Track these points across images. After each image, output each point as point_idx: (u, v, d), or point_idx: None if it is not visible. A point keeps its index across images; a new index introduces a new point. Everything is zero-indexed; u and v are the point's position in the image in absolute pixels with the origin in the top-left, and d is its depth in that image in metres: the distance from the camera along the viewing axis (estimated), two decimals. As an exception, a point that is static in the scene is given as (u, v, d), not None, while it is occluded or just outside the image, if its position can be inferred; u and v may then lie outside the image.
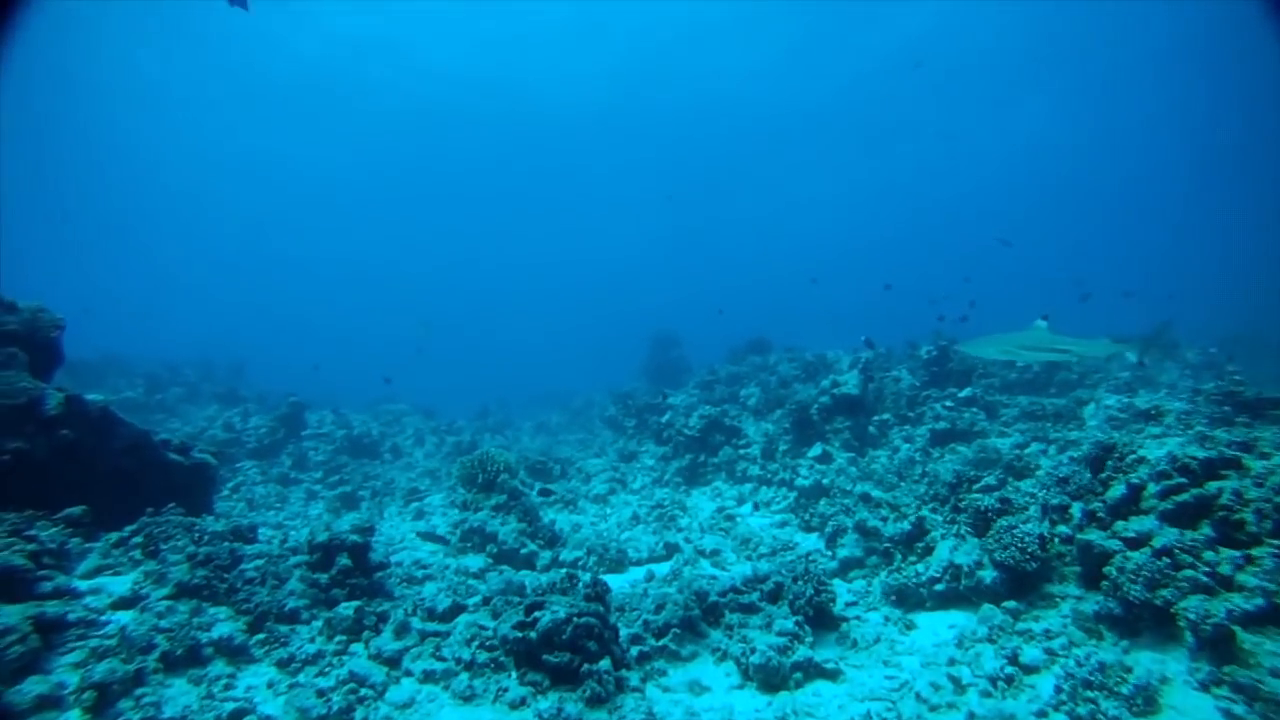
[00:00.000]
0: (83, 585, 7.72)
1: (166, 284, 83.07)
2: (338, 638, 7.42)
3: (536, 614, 6.50)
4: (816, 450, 14.43)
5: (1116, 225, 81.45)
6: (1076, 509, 7.68)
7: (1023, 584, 7.11)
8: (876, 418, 15.46)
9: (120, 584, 7.78)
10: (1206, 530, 6.18)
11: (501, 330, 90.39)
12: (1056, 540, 7.43)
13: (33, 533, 8.32)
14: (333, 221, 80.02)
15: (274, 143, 60.84)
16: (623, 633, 7.30)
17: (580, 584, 7.45)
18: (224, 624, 7.33)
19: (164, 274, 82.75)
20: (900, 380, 17.30)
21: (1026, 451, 11.80)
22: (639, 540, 11.29)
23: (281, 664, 6.96)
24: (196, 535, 8.66)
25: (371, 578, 8.85)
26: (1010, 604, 6.99)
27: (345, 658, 7.17)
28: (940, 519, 8.57)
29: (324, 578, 8.38)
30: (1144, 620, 5.94)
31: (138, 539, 8.63)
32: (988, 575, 7.19)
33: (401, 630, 7.36)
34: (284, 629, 7.52)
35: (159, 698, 6.07)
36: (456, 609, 8.03)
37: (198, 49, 45.82)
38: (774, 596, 7.74)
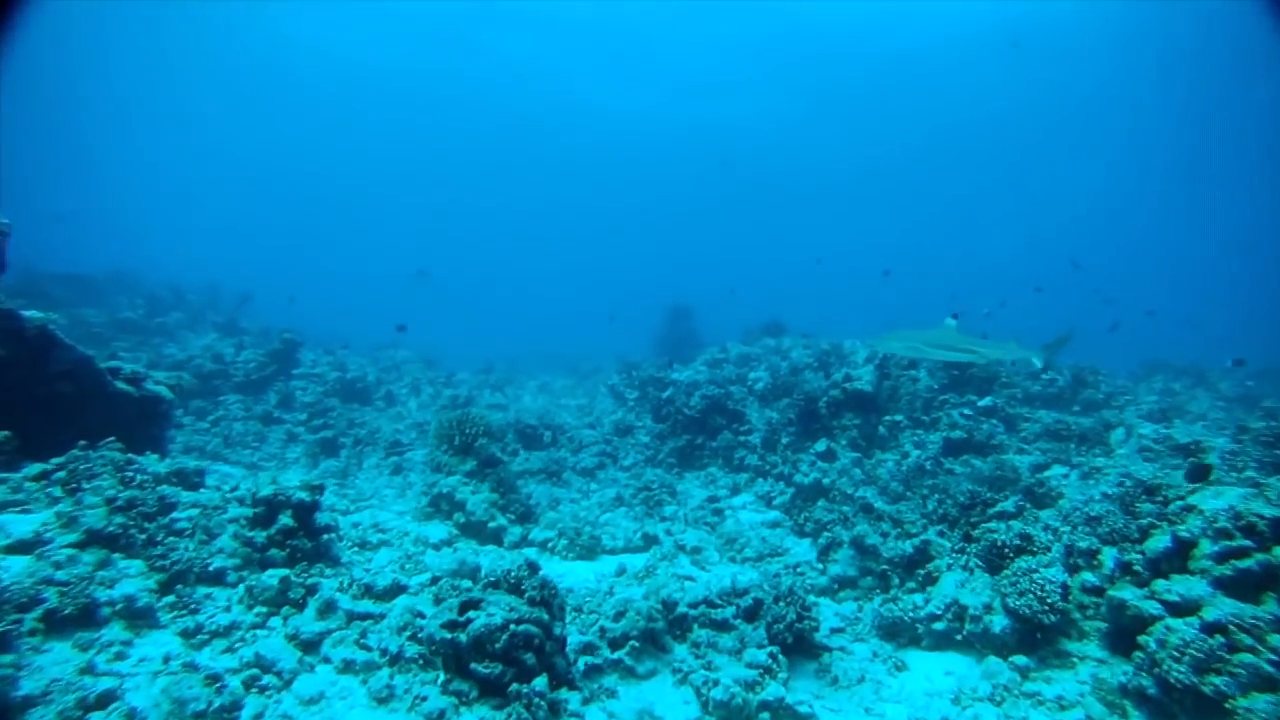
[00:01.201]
0: (-21, 523, 6.83)
1: (185, 203, 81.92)
2: (257, 609, 6.49)
3: (471, 614, 5.50)
4: (821, 446, 13.35)
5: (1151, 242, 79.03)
6: (1108, 556, 6.58)
7: (1037, 637, 6.04)
8: (888, 418, 14.34)
9: (24, 524, 6.85)
10: (1274, 607, 5.06)
11: (526, 286, 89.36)
12: (1079, 589, 6.35)
13: (-66, 457, 7.46)
14: (364, 162, 78.83)
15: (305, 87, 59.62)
16: (574, 639, 6.31)
17: (527, 582, 6.47)
18: (133, 580, 6.42)
19: (184, 193, 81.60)
20: (918, 380, 16.13)
21: (1047, 475, 10.68)
22: (618, 526, 10.29)
23: (186, 634, 6.04)
24: (127, 476, 7.72)
25: (317, 540, 7.91)
26: (1020, 659, 5.93)
27: (260, 633, 6.24)
28: (949, 545, 7.49)
29: (261, 536, 7.45)
30: (1184, 709, 4.86)
31: (61, 474, 7.72)
32: (997, 622, 6.11)
33: (328, 609, 6.39)
34: (201, 592, 6.60)
35: (23, 666, 5.14)
36: (397, 589, 7.08)
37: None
38: (751, 615, 6.71)
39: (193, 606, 6.32)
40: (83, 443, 7.95)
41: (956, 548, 7.32)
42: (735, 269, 61.16)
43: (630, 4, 46.95)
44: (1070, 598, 6.19)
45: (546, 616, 5.56)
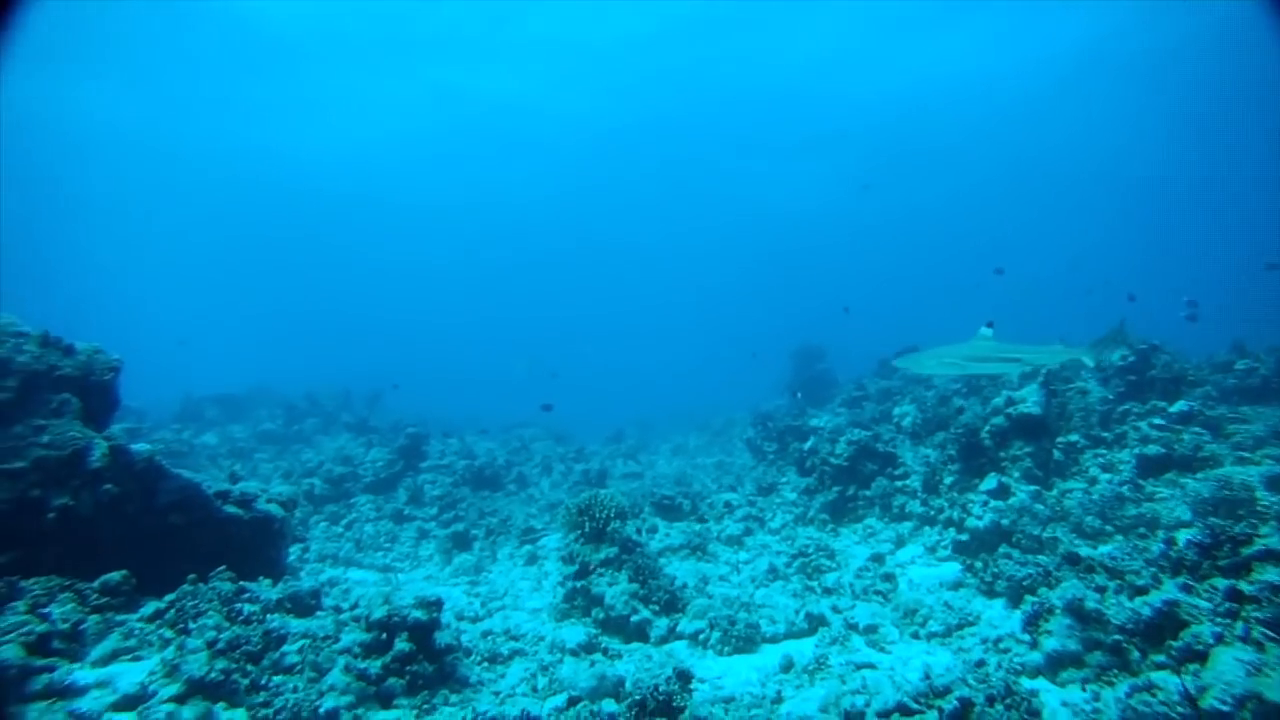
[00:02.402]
0: (89, 677, 6.17)
1: (309, 315, 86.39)
2: (372, 761, 5.51)
3: (609, 768, 4.32)
4: (991, 483, 11.57)
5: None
6: None
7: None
8: (1061, 439, 12.43)
9: (134, 675, 6.17)
10: None
11: (647, 348, 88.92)
12: None
13: (49, 609, 6.93)
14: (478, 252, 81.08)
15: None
16: (743, 775, 5.01)
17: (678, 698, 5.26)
18: (235, 738, 5.58)
19: (304, 305, 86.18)
20: (1088, 393, 14.11)
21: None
22: (775, 604, 8.92)
23: (292, 801, 5.10)
24: (235, 610, 7.01)
25: (440, 661, 6.95)
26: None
27: (377, 791, 5.24)
28: (1206, 605, 5.78)
29: (376, 666, 6.54)
30: None
31: (171, 613, 7.08)
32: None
33: (447, 759, 5.34)
34: (307, 747, 5.69)
35: None
36: (529, 719, 5.96)
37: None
38: (958, 719, 5.23)
39: (300, 764, 5.40)
40: (192, 576, 7.34)
41: (1222, 609, 5.61)
42: (865, 297, 59.06)
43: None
44: None
45: (704, 764, 4.31)
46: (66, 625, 6.65)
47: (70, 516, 7.67)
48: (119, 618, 7.17)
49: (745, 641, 7.86)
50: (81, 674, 6.23)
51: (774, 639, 8.08)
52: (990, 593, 8.50)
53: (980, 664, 6.30)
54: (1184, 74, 45.04)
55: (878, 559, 10.88)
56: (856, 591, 9.27)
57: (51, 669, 6.09)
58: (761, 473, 16.52)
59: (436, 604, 7.07)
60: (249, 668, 6.22)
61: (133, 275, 75.96)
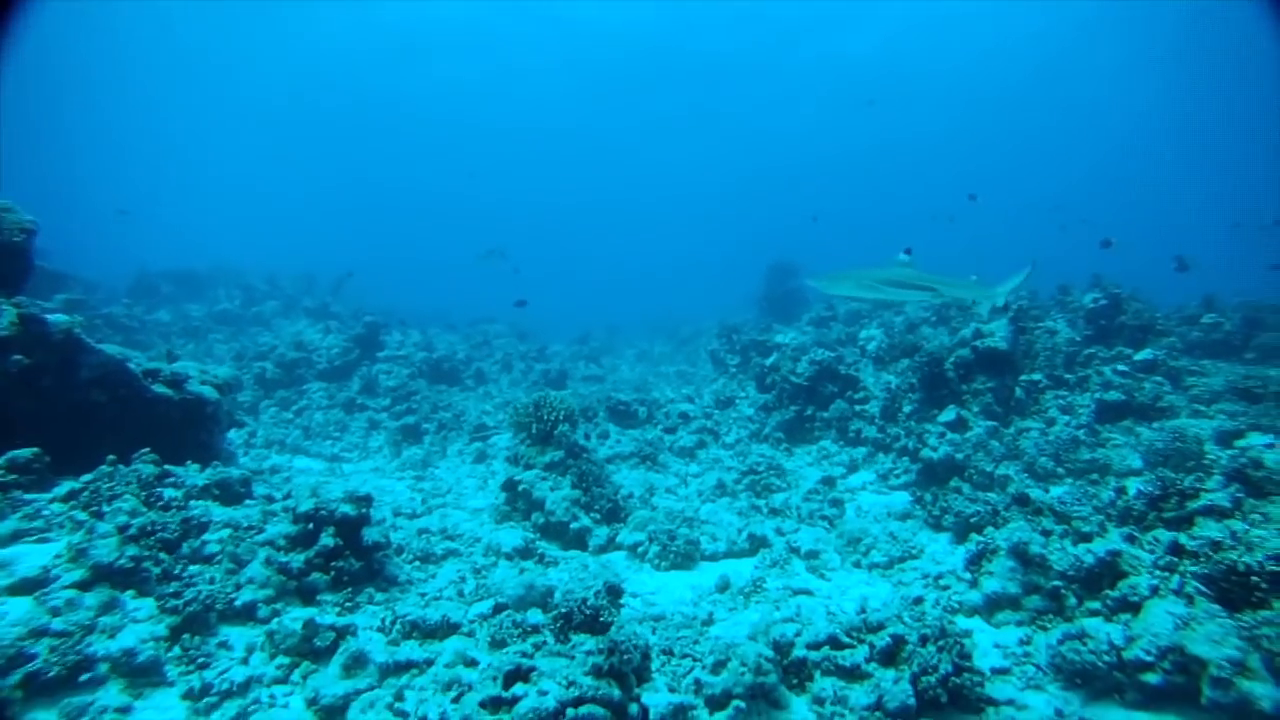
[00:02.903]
0: (-11, 556, 5.85)
1: (273, 196, 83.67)
2: (279, 659, 5.25)
3: (517, 689, 4.09)
4: (950, 415, 11.42)
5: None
6: None
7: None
8: (1025, 378, 12.26)
9: (37, 558, 5.83)
10: None
11: (626, 253, 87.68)
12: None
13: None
14: (468, 138, 78.32)
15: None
16: (662, 698, 4.82)
17: (606, 613, 5.05)
18: (138, 627, 5.28)
19: (268, 187, 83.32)
20: (1056, 333, 13.92)
21: (1246, 445, 8.48)
22: (720, 521, 8.75)
23: (191, 696, 4.85)
24: (154, 495, 6.66)
25: (369, 558, 6.69)
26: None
27: (281, 690, 5.01)
28: (1148, 558, 5.61)
29: (299, 560, 6.26)
30: None
31: (85, 495, 6.72)
32: (1260, 690, 4.26)
33: (356, 663, 5.09)
34: (214, 640, 5.42)
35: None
36: (449, 626, 5.73)
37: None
38: (890, 657, 5.06)
39: (202, 659, 5.13)
40: (111, 457, 6.94)
41: (1162, 562, 5.44)
42: (840, 221, 58.30)
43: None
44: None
45: (618, 693, 4.08)
46: (-37, 498, 6.28)
47: (-24, 388, 7.20)
48: (28, 497, 6.80)
49: (684, 558, 7.69)
50: (-20, 551, 5.91)
51: (713, 557, 7.92)
52: (937, 527, 8.38)
53: (918, 601, 6.15)
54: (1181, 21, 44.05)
55: (828, 482, 10.75)
56: (803, 515, 9.11)
57: (-52, 542, 5.77)
58: (722, 385, 16.28)
59: (366, 499, 6.77)
60: (162, 556, 5.91)
61: (106, 140, 72.85)
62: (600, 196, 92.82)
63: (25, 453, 6.98)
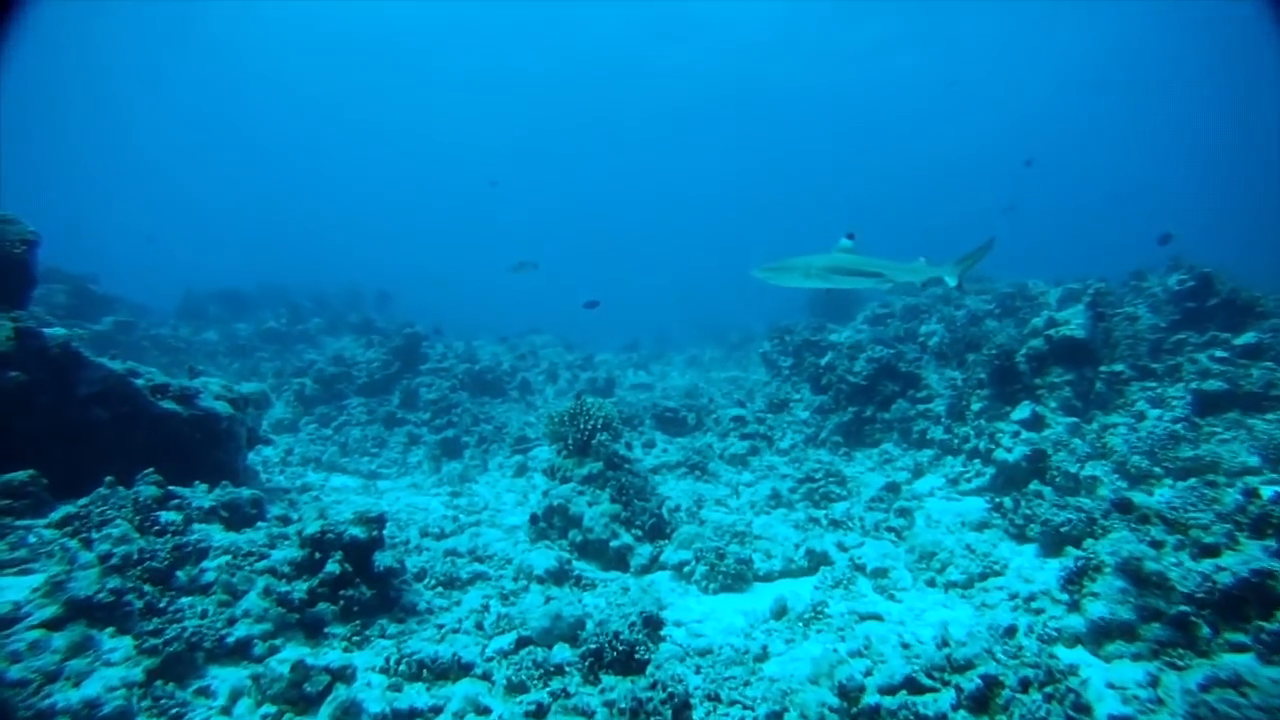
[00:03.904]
0: (-36, 591, 5.23)
1: (322, 213, 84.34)
2: (265, 709, 4.50)
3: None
4: (1024, 412, 10.28)
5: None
6: None
7: None
8: (1105, 369, 11.05)
9: (13, 592, 5.16)
10: None
11: (674, 256, 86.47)
12: None
13: (-71, 511, 5.96)
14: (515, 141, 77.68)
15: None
16: (707, 759, 3.93)
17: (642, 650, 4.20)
18: (110, 671, 4.58)
19: (320, 203, 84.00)
20: (1138, 319, 12.63)
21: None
22: (775, 535, 7.80)
23: (163, 758, 4.12)
24: (147, 519, 5.99)
25: (385, 585, 5.94)
26: None
27: (266, 751, 4.25)
28: (1302, 578, 4.54)
29: (301, 590, 5.52)
30: None
31: (79, 520, 6.10)
32: None
33: (347, 714, 4.30)
34: (195, 685, 4.69)
35: None
36: (461, 667, 4.91)
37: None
38: (982, 704, 4.09)
39: (175, 709, 4.40)
40: (109, 479, 6.31)
41: (1324, 584, 4.38)
42: (883, 217, 56.57)
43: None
44: None
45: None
46: (-57, 530, 5.70)
47: (-25, 407, 6.66)
48: (20, 524, 6.21)
49: (735, 579, 6.76)
50: (-42, 586, 5.30)
51: (768, 577, 6.98)
52: (1021, 537, 7.29)
53: (1010, 631, 5.12)
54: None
55: (893, 489, 9.72)
56: (867, 526, 8.09)
57: (-77, 579, 5.17)
58: (775, 388, 15.30)
59: (378, 520, 6.01)
60: (146, 588, 5.22)
61: (147, 169, 74.53)
62: (643, 201, 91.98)
63: (20, 475, 6.40)
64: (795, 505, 9.34)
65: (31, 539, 5.94)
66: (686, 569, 7.04)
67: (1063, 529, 6.52)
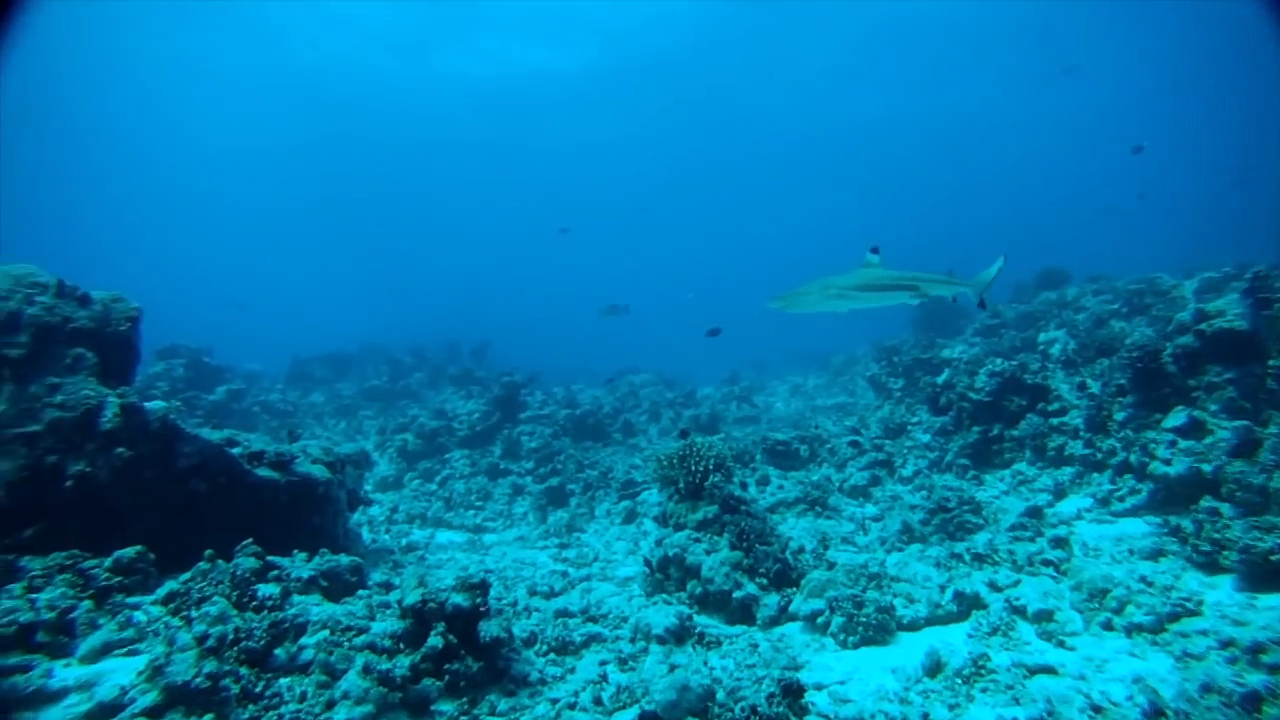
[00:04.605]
0: (71, 677, 4.98)
1: (411, 268, 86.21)
2: (366, 813, 4.01)
3: None
4: (1179, 418, 9.10)
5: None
6: None
7: None
8: (1274, 363, 9.73)
9: (121, 675, 4.94)
10: None
11: (760, 287, 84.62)
12: None
13: (41, 595, 5.80)
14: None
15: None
16: None
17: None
18: (208, 772, 4.21)
19: (407, 258, 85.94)
20: (1306, 305, 11.18)
21: None
22: (913, 576, 6.94)
23: None
24: (244, 595, 5.67)
25: (493, 655, 5.43)
26: None
27: None
28: None
29: (403, 666, 5.06)
30: None
31: (180, 599, 5.84)
32: None
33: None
34: (299, 782, 4.26)
35: None
36: (577, 755, 4.32)
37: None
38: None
39: (274, 819, 3.96)
40: (209, 552, 6.05)
41: None
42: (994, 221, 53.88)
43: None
44: None
45: None
46: (53, 614, 5.49)
47: (89, 484, 6.55)
48: (131, 600, 6.01)
49: (877, 630, 5.95)
50: (65, 674, 5.05)
51: (913, 626, 6.15)
52: (1211, 566, 6.22)
53: (1253, 700, 4.10)
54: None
55: (1035, 513, 8.73)
56: (1019, 560, 7.13)
57: (27, 668, 4.94)
58: (888, 412, 14.34)
59: (482, 586, 5.52)
60: (243, 671, 4.85)
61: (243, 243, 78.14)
62: (720, 233, 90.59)
63: (129, 552, 6.23)
64: (929, 539, 8.45)
65: (139, 617, 5.72)
66: (820, 620, 6.27)
67: (1273, 557, 5.48)
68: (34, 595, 5.70)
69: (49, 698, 4.76)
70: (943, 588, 6.50)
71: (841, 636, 5.99)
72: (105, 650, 5.34)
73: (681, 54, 49.80)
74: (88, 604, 5.67)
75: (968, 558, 7.39)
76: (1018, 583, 6.53)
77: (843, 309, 8.18)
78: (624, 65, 50.85)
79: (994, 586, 6.51)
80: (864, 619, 6.00)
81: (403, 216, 78.01)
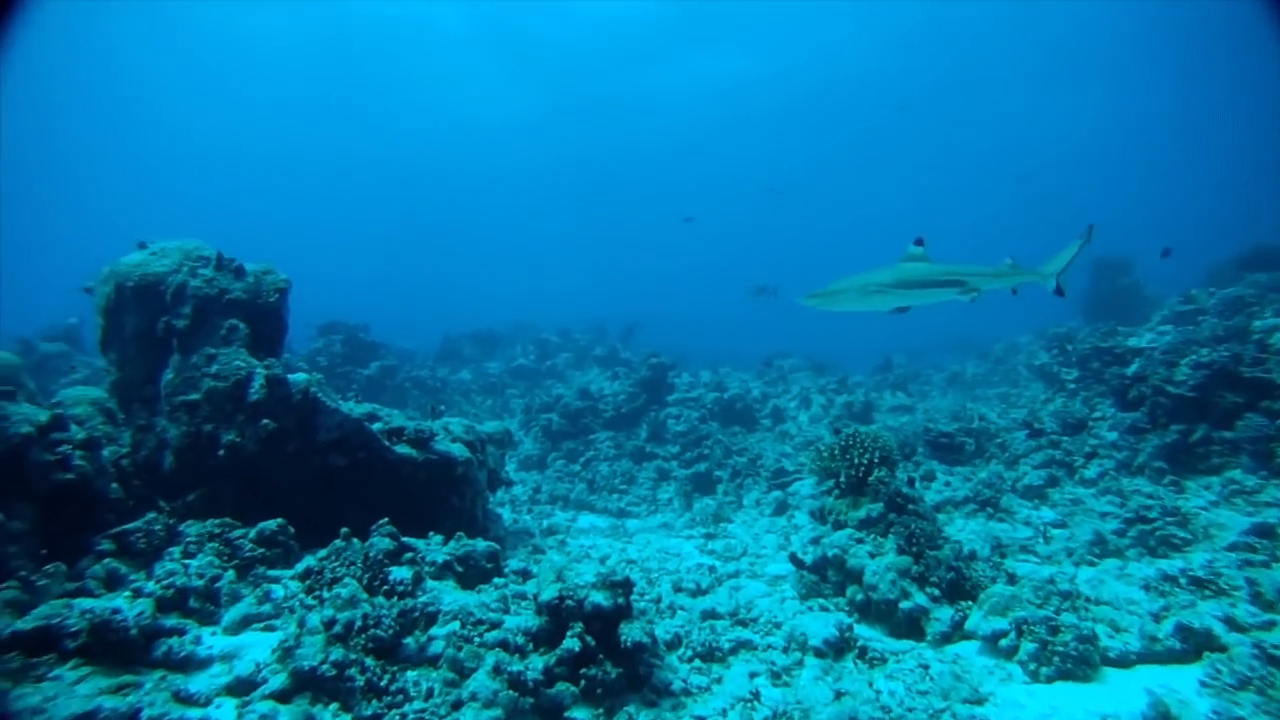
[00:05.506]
0: (217, 647, 4.86)
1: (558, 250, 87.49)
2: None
3: None
4: None
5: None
6: None
7: None
8: None
9: (258, 651, 4.79)
10: None
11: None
12: None
13: (193, 561, 5.75)
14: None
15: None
16: None
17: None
18: (331, 762, 3.89)
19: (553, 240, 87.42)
20: None
21: None
22: (1116, 598, 5.85)
23: None
24: (376, 578, 5.39)
25: (633, 660, 4.89)
26: None
27: None
28: None
29: (536, 668, 4.58)
30: None
31: (314, 577, 5.64)
32: None
33: None
34: (420, 794, 3.85)
35: None
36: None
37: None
38: None
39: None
40: (345, 530, 5.83)
41: None
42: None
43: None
44: None
45: None
46: (202, 581, 5.41)
47: (238, 454, 6.53)
48: (271, 573, 5.91)
49: (1077, 662, 4.95)
50: (211, 641, 4.95)
51: (1122, 662, 5.09)
52: None
53: None
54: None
55: (1265, 532, 7.28)
56: (1266, 594, 5.88)
57: (182, 631, 4.85)
58: (1061, 405, 12.83)
59: (625, 585, 4.98)
60: (369, 662, 4.52)
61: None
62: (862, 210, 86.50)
63: (271, 525, 6.17)
64: (1127, 554, 7.25)
65: (277, 591, 5.61)
66: (1003, 643, 5.33)
67: None
68: (187, 561, 5.68)
69: (199, 664, 4.70)
70: (1157, 617, 5.40)
71: (1032, 666, 5.04)
72: (245, 623, 5.22)
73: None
74: (231, 574, 5.60)
75: (1184, 580, 6.18)
76: (1271, 625, 5.31)
77: (884, 307, 7.35)
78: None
79: (1233, 624, 5.31)
80: (1060, 647, 5.01)
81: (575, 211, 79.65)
